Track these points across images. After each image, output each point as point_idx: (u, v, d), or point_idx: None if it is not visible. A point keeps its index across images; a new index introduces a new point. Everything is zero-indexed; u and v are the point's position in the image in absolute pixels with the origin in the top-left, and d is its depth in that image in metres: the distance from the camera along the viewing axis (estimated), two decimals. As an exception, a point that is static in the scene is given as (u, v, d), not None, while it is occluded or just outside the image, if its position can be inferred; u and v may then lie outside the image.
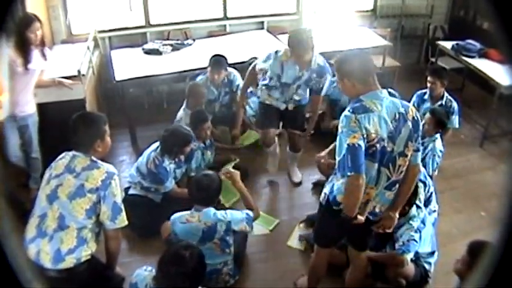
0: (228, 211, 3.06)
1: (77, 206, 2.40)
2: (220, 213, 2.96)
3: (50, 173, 2.55)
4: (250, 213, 3.10)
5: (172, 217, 3.02)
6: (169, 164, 3.77)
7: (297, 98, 4.01)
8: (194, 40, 5.55)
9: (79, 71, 4.19)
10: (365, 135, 2.14)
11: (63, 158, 2.56)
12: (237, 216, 3.01)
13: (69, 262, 2.41)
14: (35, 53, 3.89)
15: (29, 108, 3.95)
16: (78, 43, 5.15)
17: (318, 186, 4.18)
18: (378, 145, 2.17)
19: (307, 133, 4.23)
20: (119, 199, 2.47)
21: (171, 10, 5.86)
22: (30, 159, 4.12)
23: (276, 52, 3.86)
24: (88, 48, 4.69)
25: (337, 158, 2.22)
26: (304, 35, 3.62)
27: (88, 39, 4.81)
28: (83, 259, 2.46)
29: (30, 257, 2.43)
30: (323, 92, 4.03)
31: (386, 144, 2.19)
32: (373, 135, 2.15)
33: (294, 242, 3.68)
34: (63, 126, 4.05)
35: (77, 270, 2.44)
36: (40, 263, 2.41)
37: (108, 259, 2.66)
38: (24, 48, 3.81)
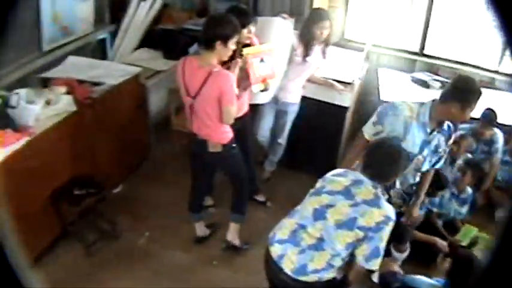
0: None
1: (341, 236, 2.30)
2: None
3: (324, 185, 2.47)
4: None
5: None
6: None
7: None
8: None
9: (353, 80, 4.17)
10: None
11: (344, 177, 2.45)
12: None
13: (311, 278, 2.36)
14: (316, 49, 3.96)
15: (293, 97, 4.05)
16: (349, 49, 5.18)
17: None
18: None
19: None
20: (383, 244, 2.31)
21: (447, 44, 5.57)
22: (275, 144, 4.26)
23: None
24: (364, 59, 4.65)
25: None
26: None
27: (364, 50, 4.79)
28: (325, 279, 2.39)
29: (271, 254, 2.45)
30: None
31: None
32: None
33: None
34: (319, 126, 4.18)
35: (315, 285, 2.39)
36: (280, 266, 2.40)
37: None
38: (307, 41, 3.90)
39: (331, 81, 4.17)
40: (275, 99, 4.01)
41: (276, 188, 4.39)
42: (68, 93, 3.70)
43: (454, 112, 2.66)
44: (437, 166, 3.07)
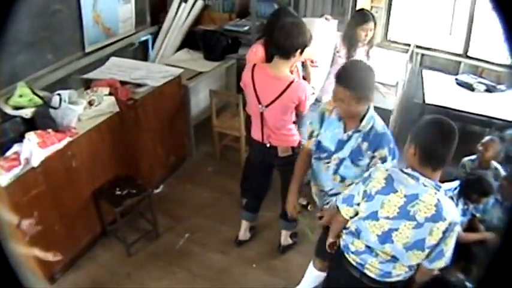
0: None
1: (413, 255, 2.18)
2: None
3: (377, 210, 2.19)
4: None
5: None
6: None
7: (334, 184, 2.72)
8: (507, 88, 5.03)
9: (397, 82, 4.08)
10: None
11: (393, 192, 2.11)
12: None
13: (395, 279, 2.31)
14: (360, 50, 3.89)
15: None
16: (391, 50, 5.08)
17: None
18: None
19: None
20: (449, 248, 2.16)
21: (492, 46, 5.40)
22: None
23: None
24: (407, 61, 4.54)
25: None
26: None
27: (408, 52, 4.68)
28: (407, 278, 2.34)
29: (349, 260, 2.39)
30: None
31: None
32: None
33: None
34: None
35: (397, 284, 2.34)
36: (362, 271, 2.34)
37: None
38: (351, 42, 3.83)
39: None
40: (317, 101, 3.95)
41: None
42: (110, 94, 3.73)
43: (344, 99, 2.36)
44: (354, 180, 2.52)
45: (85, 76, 4.19)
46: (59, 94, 3.59)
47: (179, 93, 4.28)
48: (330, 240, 2.55)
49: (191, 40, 5.12)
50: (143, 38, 4.76)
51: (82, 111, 3.53)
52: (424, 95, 4.50)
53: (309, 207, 4.04)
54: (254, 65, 3.10)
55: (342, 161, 2.55)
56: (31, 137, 3.19)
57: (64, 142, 3.29)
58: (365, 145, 2.46)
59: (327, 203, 2.78)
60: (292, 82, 2.93)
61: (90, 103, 3.62)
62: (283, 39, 2.84)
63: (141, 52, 5.16)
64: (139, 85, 3.97)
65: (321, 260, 2.99)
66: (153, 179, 4.16)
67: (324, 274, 2.97)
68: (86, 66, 4.58)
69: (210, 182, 4.47)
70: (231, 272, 3.61)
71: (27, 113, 3.46)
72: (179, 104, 4.33)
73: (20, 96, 3.61)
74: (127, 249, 3.71)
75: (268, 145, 3.21)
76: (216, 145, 4.72)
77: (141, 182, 3.76)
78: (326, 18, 4.01)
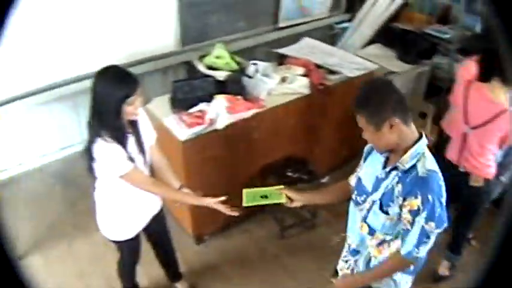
0: None
1: None
2: None
3: None
4: None
5: None
6: None
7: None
8: None
9: None
10: None
11: None
12: None
13: None
14: None
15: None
16: None
17: None
18: None
19: None
20: None
21: None
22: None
23: None
24: None
25: None
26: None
27: None
28: None
29: None
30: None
31: None
32: None
33: None
34: None
35: None
36: None
37: None
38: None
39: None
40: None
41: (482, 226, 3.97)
42: (304, 75, 3.67)
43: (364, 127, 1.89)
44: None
45: (278, 50, 4.18)
46: (255, 64, 3.61)
47: (368, 89, 4.13)
48: None
49: (384, 36, 4.92)
50: (344, 25, 4.64)
51: (274, 86, 3.52)
52: None
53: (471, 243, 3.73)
54: (470, 81, 2.86)
55: (372, 204, 2.00)
56: (221, 100, 3.23)
57: (251, 112, 3.30)
58: (399, 187, 1.87)
59: (346, 261, 2.32)
60: (505, 110, 2.66)
61: (283, 79, 3.60)
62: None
63: (331, 37, 5.08)
64: (332, 71, 3.87)
65: None
66: (322, 167, 4.08)
67: None
68: (276, 40, 4.60)
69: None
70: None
71: (221, 75, 3.52)
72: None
73: (217, 57, 3.68)
74: (281, 231, 3.68)
75: (462, 169, 2.98)
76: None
77: (314, 169, 3.69)
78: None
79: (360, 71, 3.92)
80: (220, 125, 3.16)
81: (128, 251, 2.73)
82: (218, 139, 3.23)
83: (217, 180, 3.33)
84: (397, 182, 1.87)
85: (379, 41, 4.92)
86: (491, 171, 2.92)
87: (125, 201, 2.46)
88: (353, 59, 4.12)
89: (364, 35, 4.95)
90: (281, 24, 4.58)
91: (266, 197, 2.36)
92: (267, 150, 3.61)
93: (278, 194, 2.34)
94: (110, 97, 2.08)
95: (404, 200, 1.84)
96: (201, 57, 3.75)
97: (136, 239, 2.65)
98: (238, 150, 3.39)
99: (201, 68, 3.67)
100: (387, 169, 1.92)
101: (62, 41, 3.45)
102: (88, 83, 3.04)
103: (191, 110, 3.21)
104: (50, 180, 4.04)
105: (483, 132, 2.78)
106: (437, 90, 4.57)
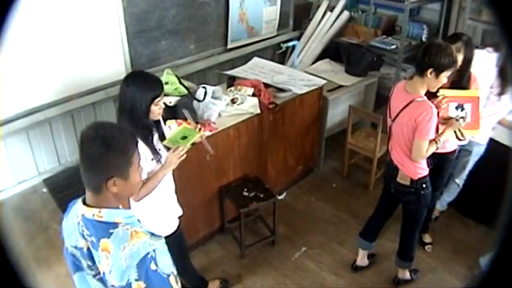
0: None
1: None
2: None
3: None
4: None
5: None
6: None
7: None
8: None
9: None
10: None
11: None
12: None
13: None
14: None
15: (481, 137, 3.71)
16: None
17: None
18: None
19: None
20: None
21: None
22: (451, 183, 3.94)
23: None
24: None
25: None
26: None
27: None
28: None
29: None
30: None
31: None
32: None
33: None
34: (500, 174, 3.72)
35: None
36: None
37: None
38: (506, 79, 3.56)
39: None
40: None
41: (442, 230, 4.06)
42: (254, 95, 3.72)
43: None
44: None
45: (227, 72, 4.22)
46: (204, 87, 3.64)
47: (318, 104, 4.20)
48: None
49: (332, 51, 5.02)
50: (291, 43, 4.72)
51: (224, 108, 3.56)
52: None
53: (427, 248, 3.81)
54: (400, 81, 3.04)
55: None
56: (172, 125, 3.24)
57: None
58: None
59: None
60: (414, 99, 2.77)
61: (233, 101, 3.64)
62: (421, 55, 2.76)
63: (280, 55, 5.15)
64: (281, 90, 3.93)
65: None
66: (277, 185, 4.12)
67: None
68: (225, 62, 4.64)
69: (334, 199, 4.35)
70: (343, 296, 3.48)
71: (170, 100, 3.53)
72: (316, 114, 4.25)
73: (166, 83, 3.69)
74: (242, 250, 3.69)
75: (393, 165, 3.06)
76: (345, 162, 4.61)
77: (269, 186, 3.72)
78: (488, 50, 3.74)
79: (309, 87, 4.00)
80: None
81: (177, 243, 2.82)
82: (172, 165, 3.23)
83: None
84: None
85: (328, 56, 5.02)
86: (417, 172, 2.96)
87: (161, 197, 2.64)
88: (302, 76, 4.20)
89: (313, 51, 5.05)
90: (230, 46, 4.62)
91: (185, 137, 2.57)
92: (222, 171, 3.63)
93: (193, 131, 2.62)
94: (141, 98, 2.34)
95: None
96: (151, 84, 3.75)
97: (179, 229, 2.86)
98: (192, 173, 3.40)
99: (150, 94, 3.68)
100: None
101: (11, 75, 3.41)
102: (40, 116, 3.02)
103: (143, 137, 3.21)
104: (10, 214, 3.97)
105: (399, 123, 2.87)
106: (387, 100, 4.67)
